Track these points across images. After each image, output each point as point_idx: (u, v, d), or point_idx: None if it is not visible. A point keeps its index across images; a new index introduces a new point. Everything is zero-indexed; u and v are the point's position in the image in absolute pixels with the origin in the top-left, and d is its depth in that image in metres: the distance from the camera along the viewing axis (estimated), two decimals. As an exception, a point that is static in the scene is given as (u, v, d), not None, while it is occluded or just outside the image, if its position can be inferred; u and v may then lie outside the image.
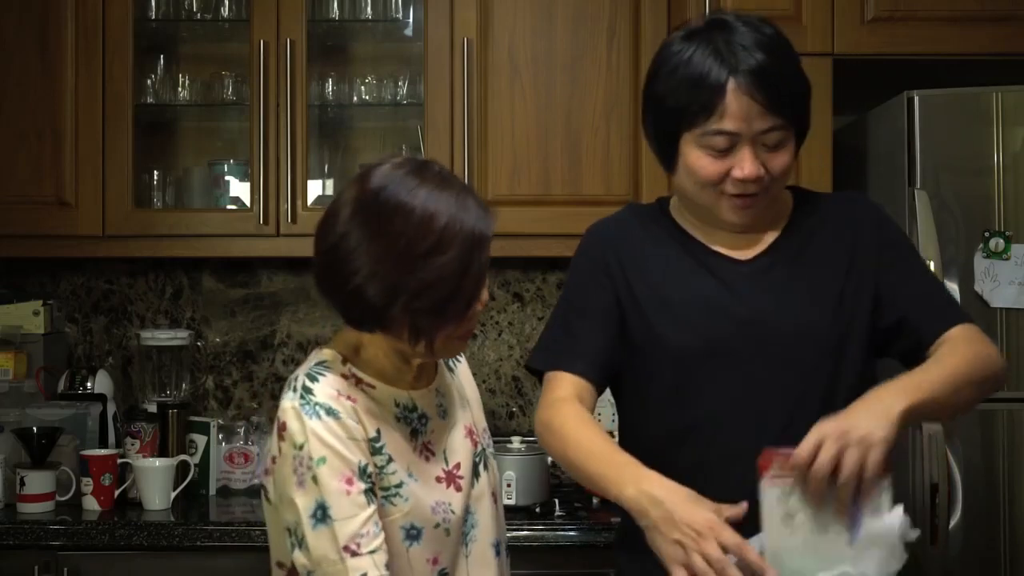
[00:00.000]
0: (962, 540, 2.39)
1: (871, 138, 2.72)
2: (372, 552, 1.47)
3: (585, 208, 2.89)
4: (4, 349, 2.95)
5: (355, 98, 3.09)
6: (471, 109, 2.88)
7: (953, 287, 2.41)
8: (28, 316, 3.02)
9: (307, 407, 1.50)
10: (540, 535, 2.59)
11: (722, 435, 1.71)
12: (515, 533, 2.56)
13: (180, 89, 3.09)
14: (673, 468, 1.59)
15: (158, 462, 2.80)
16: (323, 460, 1.47)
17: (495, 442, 2.81)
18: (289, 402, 1.52)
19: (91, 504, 2.73)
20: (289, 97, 2.88)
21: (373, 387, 1.58)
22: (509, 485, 2.70)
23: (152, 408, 2.94)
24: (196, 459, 2.90)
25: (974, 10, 2.71)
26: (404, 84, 3.06)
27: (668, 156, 1.78)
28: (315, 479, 1.47)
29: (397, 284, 1.47)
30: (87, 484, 2.74)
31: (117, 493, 2.77)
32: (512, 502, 2.69)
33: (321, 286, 1.56)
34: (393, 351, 1.58)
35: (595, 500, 2.78)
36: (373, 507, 1.49)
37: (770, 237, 1.80)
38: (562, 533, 2.60)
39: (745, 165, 1.69)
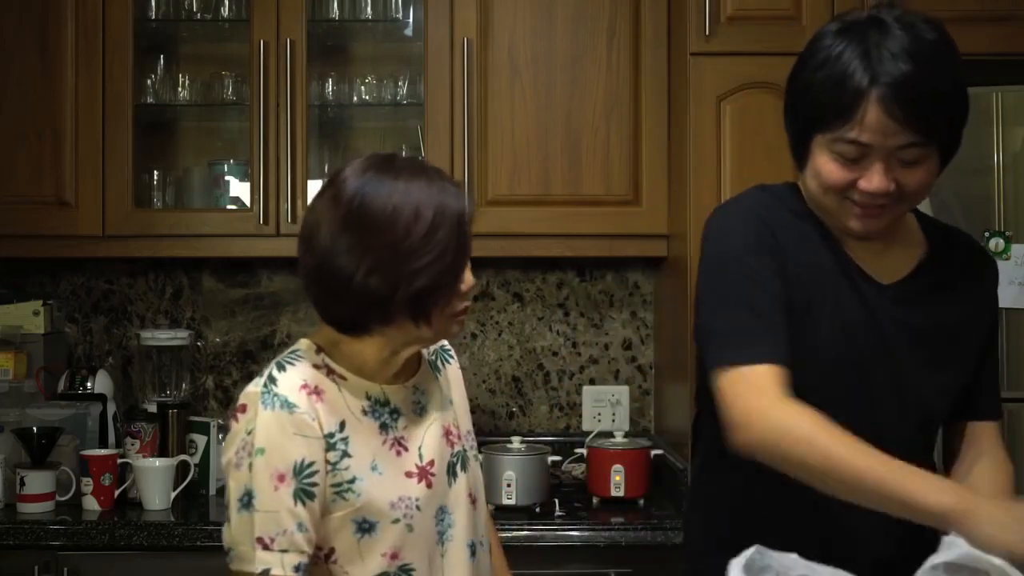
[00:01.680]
0: (962, 540, 2.39)
1: (871, 138, 2.72)
2: (283, 551, 1.50)
3: (585, 208, 2.90)
4: (4, 349, 2.95)
5: (355, 98, 3.09)
6: (471, 109, 2.88)
7: (953, 287, 2.42)
8: (28, 316, 3.02)
9: (266, 396, 1.53)
10: (540, 535, 2.59)
11: None
12: (515, 533, 2.56)
13: (180, 89, 3.09)
14: (759, 480, 1.58)
15: (158, 462, 2.80)
16: (262, 451, 1.51)
17: (495, 442, 2.83)
18: (253, 387, 1.56)
19: (91, 504, 2.73)
20: (289, 97, 2.88)
21: (345, 379, 1.60)
22: (509, 485, 2.69)
23: (152, 408, 2.94)
24: (196, 459, 2.90)
25: (974, 10, 2.70)
26: (404, 84, 3.06)
27: (799, 153, 1.69)
28: (251, 467, 1.51)
29: (397, 273, 1.51)
30: (87, 484, 2.74)
31: (117, 493, 2.77)
32: (512, 502, 2.69)
33: (318, 303, 1.58)
34: (382, 348, 1.60)
35: (595, 500, 2.78)
36: (300, 507, 1.51)
37: (907, 264, 1.74)
38: (562, 533, 2.60)
39: (873, 179, 1.60)
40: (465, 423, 1.78)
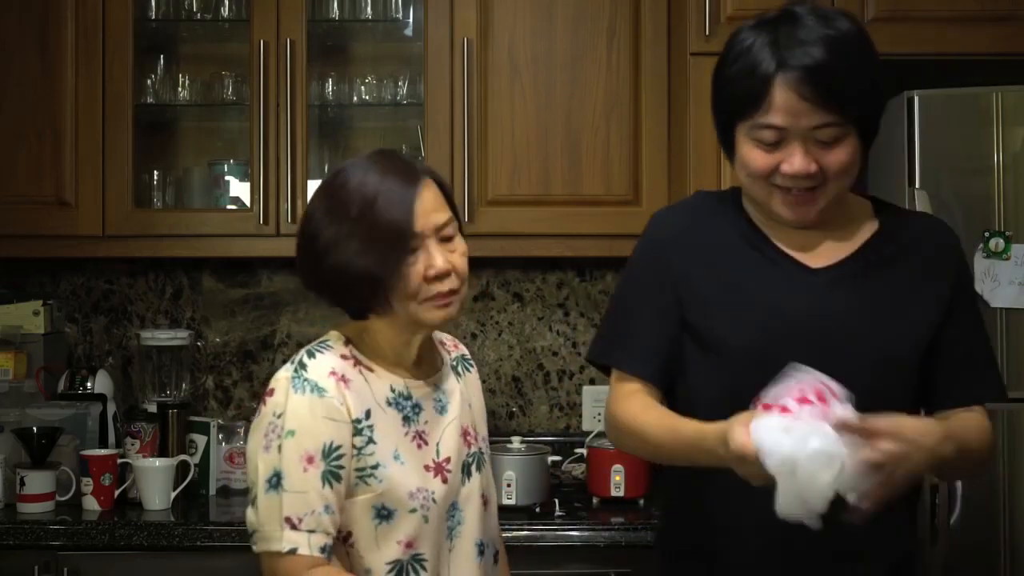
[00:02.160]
0: (962, 540, 2.39)
1: (871, 138, 2.72)
2: (310, 531, 1.54)
3: (585, 208, 2.90)
4: (4, 349, 2.95)
5: (355, 98, 3.09)
6: (471, 109, 2.88)
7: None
8: (28, 316, 3.02)
9: (297, 380, 1.58)
10: (540, 535, 2.59)
11: None
12: (515, 533, 2.56)
13: (180, 89, 3.09)
14: (718, 472, 1.59)
15: (158, 462, 2.80)
16: (292, 433, 1.55)
17: (495, 442, 2.82)
18: (283, 372, 1.61)
19: (91, 504, 2.73)
20: (289, 97, 2.88)
21: (371, 370, 1.65)
22: (509, 485, 2.69)
23: (152, 408, 2.94)
24: (196, 459, 2.90)
25: (974, 10, 2.71)
26: (404, 84, 3.06)
27: (727, 146, 1.76)
28: (280, 448, 1.55)
29: (347, 246, 1.57)
30: (87, 484, 2.73)
31: (117, 493, 2.77)
32: (512, 502, 2.69)
33: (301, 273, 1.66)
34: (393, 334, 1.65)
35: (595, 500, 2.78)
36: (328, 490, 1.55)
37: (847, 248, 1.76)
38: (562, 533, 2.60)
39: (794, 160, 1.65)
40: (482, 428, 1.81)
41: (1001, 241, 2.44)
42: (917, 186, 2.45)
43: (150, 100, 3.05)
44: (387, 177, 1.59)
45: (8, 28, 2.91)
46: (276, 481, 1.54)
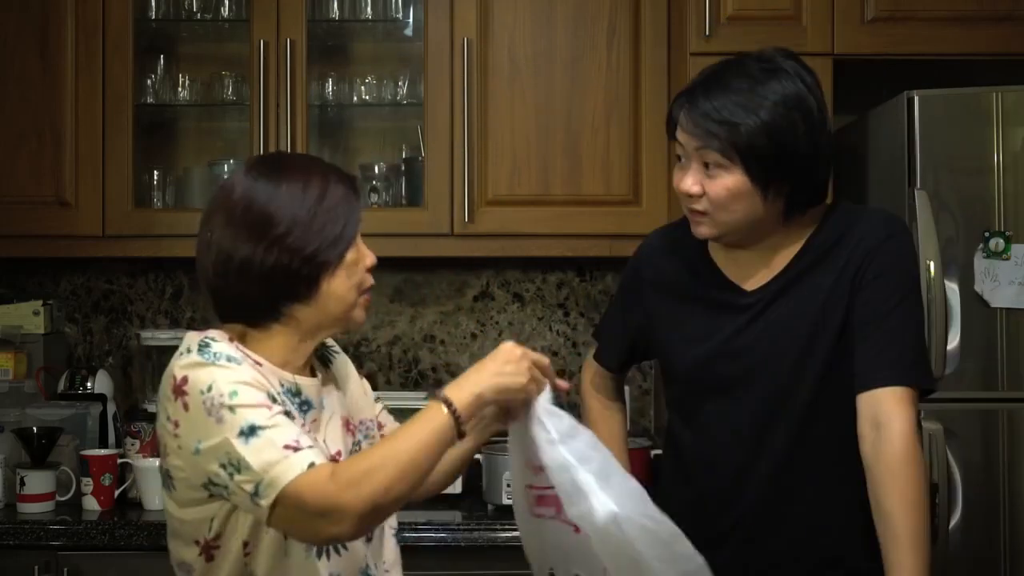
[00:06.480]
0: (962, 540, 2.39)
1: (871, 138, 2.72)
2: (310, 446, 1.46)
3: (585, 208, 2.90)
4: (4, 349, 2.95)
5: (355, 98, 3.09)
6: (471, 109, 2.88)
7: (953, 287, 2.41)
8: (28, 316, 3.02)
9: (207, 355, 1.51)
10: (540, 535, 2.58)
11: (714, 455, 1.85)
12: (515, 533, 2.55)
13: (180, 89, 3.09)
14: (688, 482, 1.81)
15: (158, 462, 2.79)
16: (235, 393, 1.47)
17: (496, 442, 2.81)
18: (184, 359, 1.53)
19: (91, 504, 2.73)
20: (289, 97, 2.88)
21: (260, 364, 1.57)
22: (509, 485, 2.69)
23: (152, 408, 2.93)
24: (196, 459, 2.90)
25: (974, 10, 2.71)
26: (404, 84, 3.06)
27: None
28: (232, 409, 1.46)
29: (300, 236, 1.55)
30: (87, 484, 2.74)
31: (117, 493, 2.77)
32: (511, 502, 2.68)
33: (226, 296, 1.61)
34: (285, 340, 1.60)
35: (595, 500, 2.78)
36: (292, 421, 1.49)
37: (775, 267, 1.82)
38: (562, 533, 2.59)
39: (684, 178, 1.77)
40: (366, 411, 1.76)
41: (1001, 241, 2.44)
42: (917, 186, 2.44)
43: (150, 100, 3.05)
44: (330, 176, 1.61)
45: (8, 28, 2.91)
46: (250, 430, 1.44)
